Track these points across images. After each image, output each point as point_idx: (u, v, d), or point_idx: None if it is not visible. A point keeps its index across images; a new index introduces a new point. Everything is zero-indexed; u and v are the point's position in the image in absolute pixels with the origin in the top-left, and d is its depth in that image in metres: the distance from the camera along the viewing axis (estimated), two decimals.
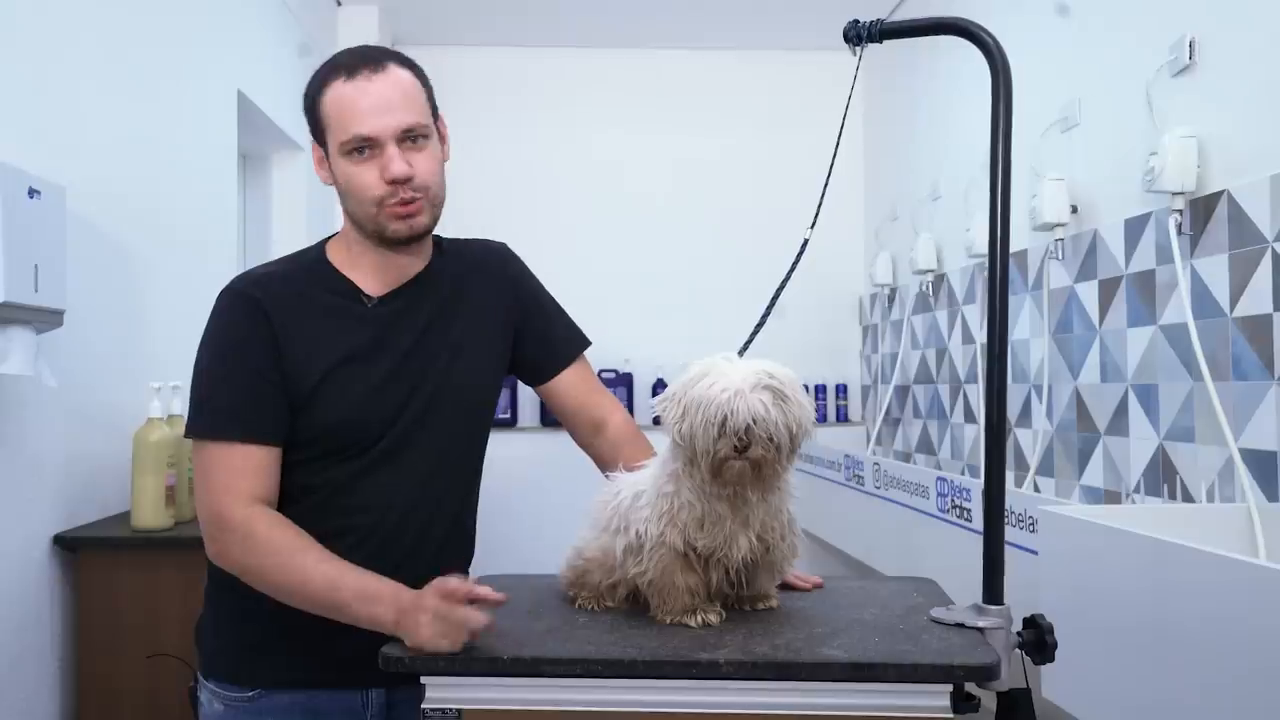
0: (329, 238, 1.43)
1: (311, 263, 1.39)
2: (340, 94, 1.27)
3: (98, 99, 2.30)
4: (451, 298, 1.42)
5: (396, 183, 1.27)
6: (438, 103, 1.37)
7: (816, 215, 1.38)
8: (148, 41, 2.55)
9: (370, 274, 1.37)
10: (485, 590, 1.11)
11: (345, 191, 1.31)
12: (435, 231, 1.42)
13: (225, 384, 1.29)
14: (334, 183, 1.33)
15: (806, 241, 1.37)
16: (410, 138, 1.29)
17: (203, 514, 1.27)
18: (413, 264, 1.39)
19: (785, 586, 1.36)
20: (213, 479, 1.26)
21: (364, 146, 1.27)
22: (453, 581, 1.12)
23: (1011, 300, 2.47)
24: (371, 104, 1.26)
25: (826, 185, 1.38)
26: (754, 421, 1.10)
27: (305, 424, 1.30)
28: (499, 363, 1.47)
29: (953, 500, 2.63)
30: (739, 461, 1.12)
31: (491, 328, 1.45)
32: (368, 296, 1.37)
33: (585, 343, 1.55)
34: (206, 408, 1.29)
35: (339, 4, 4.27)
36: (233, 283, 1.35)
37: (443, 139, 1.37)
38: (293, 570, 1.22)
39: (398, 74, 1.29)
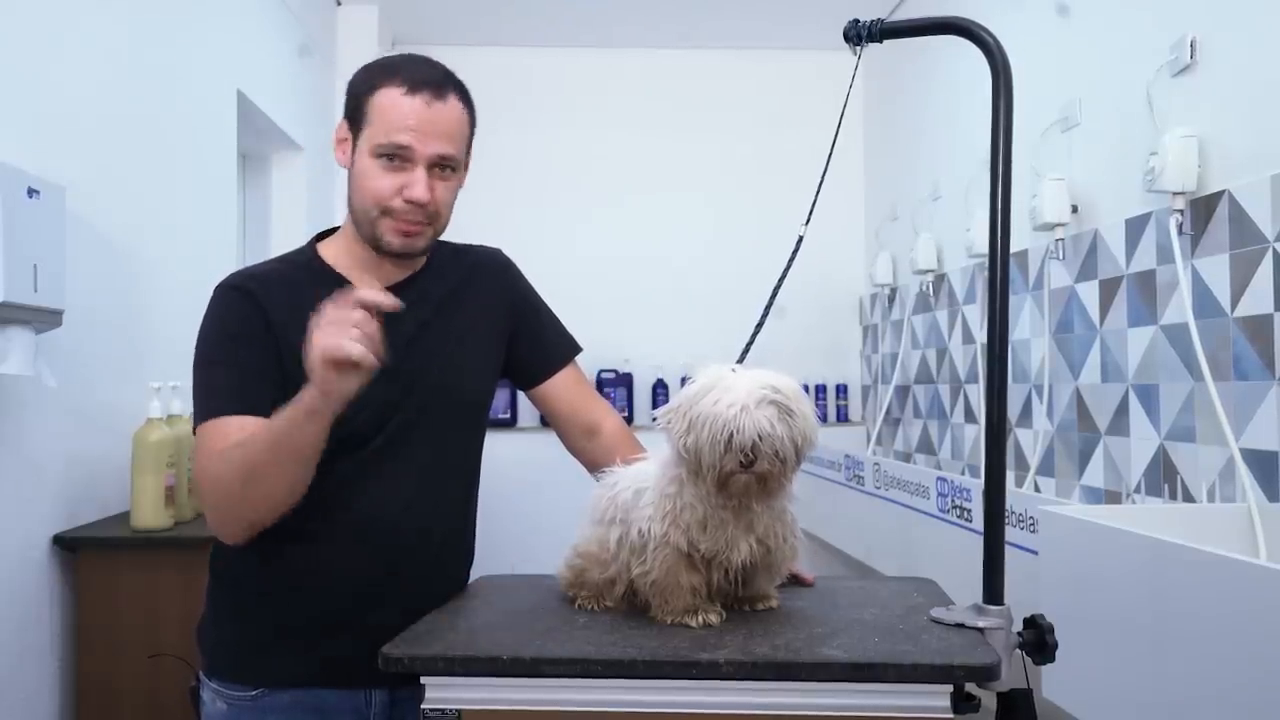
0: (319, 238, 1.43)
1: (304, 261, 1.40)
2: (397, 100, 1.29)
3: (97, 99, 2.30)
4: (447, 300, 1.42)
5: (413, 204, 1.30)
6: None
7: (811, 212, 1.38)
8: (148, 41, 2.55)
9: (364, 271, 1.38)
10: (374, 296, 1.12)
11: (358, 186, 1.32)
12: None
13: (225, 372, 1.29)
14: (346, 167, 1.35)
15: (801, 239, 1.37)
16: (442, 166, 1.32)
17: (196, 488, 1.26)
18: (402, 268, 1.41)
19: (793, 580, 1.37)
20: (201, 449, 1.26)
21: (397, 156, 1.29)
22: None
23: (1012, 300, 2.47)
24: (423, 123, 1.29)
25: (821, 183, 1.38)
26: (760, 438, 1.10)
27: None
28: (494, 365, 1.48)
29: (953, 500, 2.63)
30: (745, 476, 1.12)
31: (487, 331, 1.46)
32: None
33: (577, 348, 1.56)
34: (208, 397, 1.29)
35: (339, 4, 4.27)
36: (227, 279, 1.35)
37: (466, 168, 1.39)
38: (262, 439, 1.19)
39: (454, 106, 1.32)
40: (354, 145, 1.33)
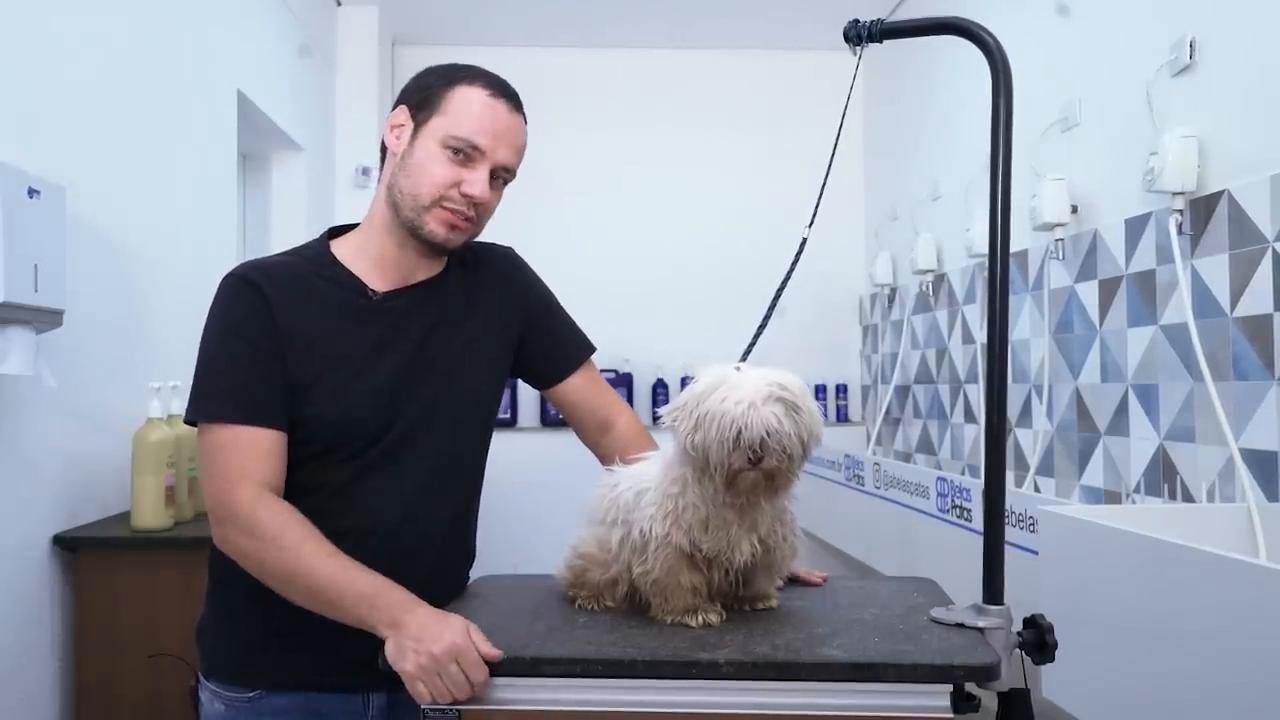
0: (333, 234, 1.43)
1: (314, 255, 1.39)
2: (480, 100, 1.33)
3: (98, 99, 2.30)
4: (461, 302, 1.42)
5: (468, 198, 1.32)
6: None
7: (814, 214, 1.38)
8: (148, 41, 2.55)
9: (378, 269, 1.38)
10: (488, 649, 1.09)
11: (413, 171, 1.32)
12: None
13: (228, 367, 1.29)
14: (398, 152, 1.35)
15: (805, 241, 1.37)
16: (501, 175, 1.36)
17: (209, 500, 1.27)
18: (423, 269, 1.40)
19: (794, 580, 1.37)
20: (219, 464, 1.26)
21: (466, 152, 1.31)
22: (476, 638, 1.09)
23: (1011, 300, 2.47)
24: (500, 128, 1.33)
25: (825, 184, 1.38)
26: (768, 434, 1.10)
27: (303, 419, 1.30)
28: (501, 370, 1.47)
29: (953, 500, 2.63)
30: (753, 473, 1.12)
31: (497, 333, 1.45)
32: (372, 290, 1.37)
33: (590, 348, 1.56)
34: (209, 391, 1.29)
35: (339, 4, 4.27)
36: (235, 269, 1.35)
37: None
38: (290, 560, 1.20)
39: (523, 124, 1.38)
40: (417, 130, 1.34)
